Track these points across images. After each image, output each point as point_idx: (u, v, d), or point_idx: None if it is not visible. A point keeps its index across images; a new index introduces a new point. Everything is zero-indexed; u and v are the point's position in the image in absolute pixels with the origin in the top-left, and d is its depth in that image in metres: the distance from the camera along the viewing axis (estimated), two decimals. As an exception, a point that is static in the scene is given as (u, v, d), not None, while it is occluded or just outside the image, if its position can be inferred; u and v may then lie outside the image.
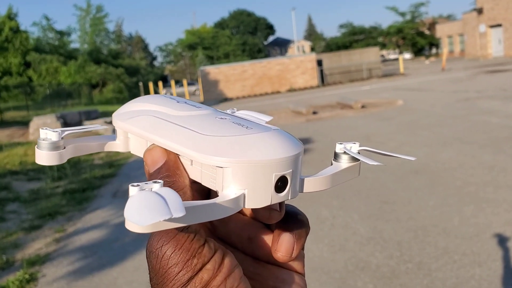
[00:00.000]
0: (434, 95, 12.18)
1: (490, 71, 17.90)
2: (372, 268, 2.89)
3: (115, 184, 6.14)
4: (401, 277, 2.73)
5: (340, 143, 0.35)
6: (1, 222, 4.76)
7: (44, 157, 0.33)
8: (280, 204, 0.33)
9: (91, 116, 15.01)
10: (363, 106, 11.11)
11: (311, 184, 0.33)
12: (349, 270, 2.90)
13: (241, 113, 0.39)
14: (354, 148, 0.35)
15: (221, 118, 0.33)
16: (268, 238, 0.35)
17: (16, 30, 27.02)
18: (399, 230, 3.42)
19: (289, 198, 0.31)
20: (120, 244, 3.82)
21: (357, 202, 4.15)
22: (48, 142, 0.33)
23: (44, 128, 0.34)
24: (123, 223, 4.32)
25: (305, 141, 7.44)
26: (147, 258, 0.30)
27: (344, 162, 0.35)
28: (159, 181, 0.25)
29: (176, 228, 0.28)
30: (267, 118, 0.39)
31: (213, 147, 0.29)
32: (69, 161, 7.84)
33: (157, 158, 0.31)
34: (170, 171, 0.31)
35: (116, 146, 0.36)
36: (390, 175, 4.84)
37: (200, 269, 0.28)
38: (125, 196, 5.38)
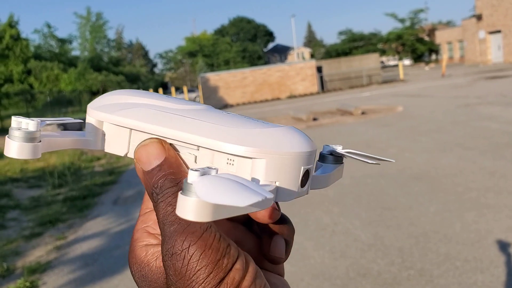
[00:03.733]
0: (434, 101, 12.19)
1: (490, 77, 17.93)
2: (373, 274, 2.88)
3: (115, 191, 6.14)
4: (403, 283, 2.73)
5: (327, 145, 0.35)
6: (2, 230, 4.75)
7: (15, 149, 0.28)
8: (277, 203, 0.33)
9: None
10: (363, 113, 11.12)
11: (317, 182, 0.33)
12: (350, 277, 2.89)
13: None
14: (338, 150, 0.35)
15: (228, 113, 0.32)
16: (252, 242, 0.35)
17: (16, 38, 27.10)
18: (400, 236, 3.41)
19: (307, 193, 0.31)
20: (121, 252, 3.81)
21: (358, 208, 4.14)
22: (23, 132, 0.28)
23: (17, 115, 0.29)
24: (123, 230, 4.33)
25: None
26: (165, 261, 0.27)
27: (331, 164, 0.35)
28: (214, 167, 0.24)
29: (201, 228, 0.27)
30: None
31: (244, 138, 0.28)
32: (69, 168, 7.85)
33: (155, 154, 0.29)
34: (173, 168, 0.29)
35: (88, 143, 0.32)
36: (390, 182, 4.84)
37: (231, 269, 0.27)
38: (126, 203, 5.37)
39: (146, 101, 0.32)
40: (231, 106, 22.07)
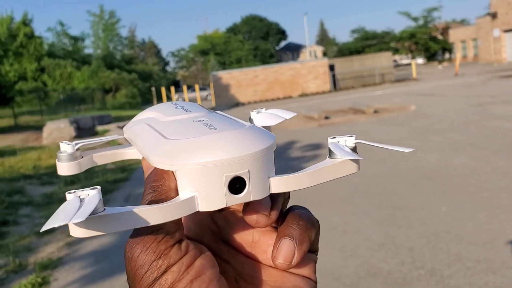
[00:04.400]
0: (447, 100, 12.09)
1: (504, 76, 17.73)
2: (383, 274, 2.86)
3: (127, 188, 6.17)
4: (413, 283, 2.71)
5: (333, 137, 0.33)
6: (14, 226, 4.80)
7: (63, 168, 0.37)
8: (273, 207, 0.32)
9: (104, 121, 15.12)
10: (375, 111, 11.06)
11: (284, 183, 0.31)
12: (360, 276, 2.88)
13: (267, 112, 0.40)
14: (349, 141, 0.33)
15: (198, 121, 0.33)
16: (272, 242, 0.34)
17: (30, 36, 27.37)
18: (411, 236, 3.39)
19: (251, 198, 0.29)
20: (131, 249, 3.83)
21: (369, 207, 4.12)
22: (65, 154, 0.36)
23: (64, 142, 0.37)
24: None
25: (317, 146, 7.43)
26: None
27: (337, 157, 0.32)
28: (97, 187, 0.27)
29: (147, 230, 0.29)
30: (289, 115, 0.39)
31: (167, 151, 0.29)
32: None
33: (149, 164, 0.32)
34: (157, 176, 0.31)
35: (133, 154, 0.40)
36: (402, 181, 4.81)
37: (165, 270, 0.29)
38: (137, 200, 5.40)
39: (153, 115, 0.37)
40: (243, 104, 22.08)
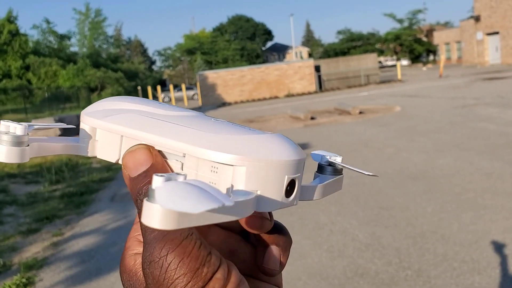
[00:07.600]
0: (431, 101, 12.21)
1: (488, 78, 17.96)
2: (371, 274, 2.88)
3: (113, 188, 6.12)
4: (400, 284, 2.73)
5: (325, 156, 0.35)
6: (-1, 226, 4.74)
7: (3, 153, 0.29)
8: (270, 213, 0.32)
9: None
10: (361, 112, 11.13)
11: (309, 192, 0.32)
12: (348, 276, 2.90)
13: None
14: (338, 160, 0.35)
15: (216, 120, 0.32)
16: (248, 252, 0.34)
17: (15, 33, 27.05)
18: (397, 236, 3.42)
19: (295, 203, 0.30)
20: (118, 249, 3.80)
21: (355, 208, 4.15)
22: (10, 136, 0.29)
23: (6, 120, 0.30)
24: (121, 227, 4.32)
25: (303, 146, 7.44)
26: (144, 269, 0.27)
27: (329, 175, 0.34)
28: (183, 173, 0.24)
29: (175, 234, 0.26)
30: None
31: (226, 145, 0.27)
32: (67, 164, 7.82)
33: (141, 160, 0.29)
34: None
35: (81, 149, 0.33)
36: (388, 181, 4.84)
37: (210, 278, 0.26)
38: (123, 200, 5.36)
39: (137, 107, 0.32)
40: (229, 104, 22.05)
